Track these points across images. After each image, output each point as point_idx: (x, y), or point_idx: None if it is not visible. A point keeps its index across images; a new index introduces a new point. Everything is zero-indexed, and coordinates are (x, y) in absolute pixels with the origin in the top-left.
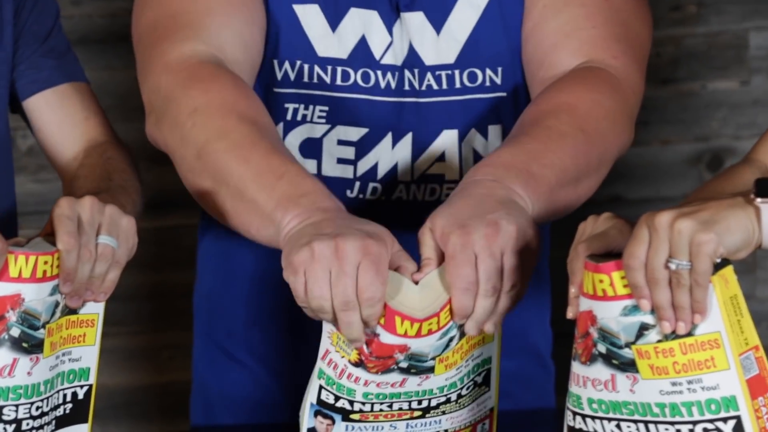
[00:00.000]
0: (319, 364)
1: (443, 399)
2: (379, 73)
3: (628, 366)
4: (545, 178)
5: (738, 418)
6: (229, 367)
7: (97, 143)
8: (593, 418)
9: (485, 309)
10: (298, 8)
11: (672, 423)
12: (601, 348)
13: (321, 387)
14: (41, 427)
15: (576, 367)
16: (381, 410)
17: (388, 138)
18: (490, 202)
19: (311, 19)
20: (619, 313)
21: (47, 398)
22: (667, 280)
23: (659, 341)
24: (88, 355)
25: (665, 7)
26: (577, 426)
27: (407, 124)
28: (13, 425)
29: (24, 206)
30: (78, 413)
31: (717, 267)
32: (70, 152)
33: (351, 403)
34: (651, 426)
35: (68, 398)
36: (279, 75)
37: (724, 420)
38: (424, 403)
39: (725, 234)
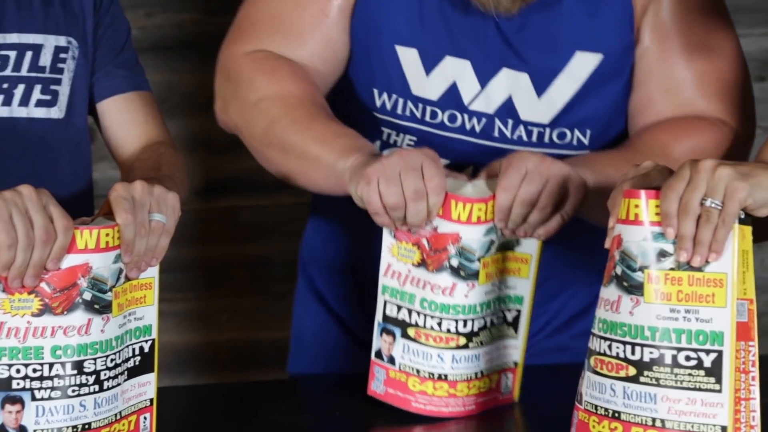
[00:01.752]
0: (382, 281)
1: (481, 323)
2: (466, 116)
3: (635, 289)
4: (612, 177)
5: (720, 353)
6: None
7: (153, 142)
8: (595, 336)
9: (519, 214)
10: (399, 49)
11: (658, 347)
12: (618, 270)
13: (385, 302)
14: (116, 377)
15: (600, 290)
16: (432, 328)
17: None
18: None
19: (410, 60)
20: (643, 238)
21: (119, 352)
22: (696, 215)
23: (672, 269)
24: (149, 314)
25: None
26: (592, 347)
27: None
28: (94, 376)
29: (105, 189)
30: (145, 364)
31: (741, 221)
32: (129, 149)
33: (410, 313)
34: (637, 348)
35: (136, 352)
36: (378, 102)
37: (707, 352)
38: (468, 326)
39: (757, 188)
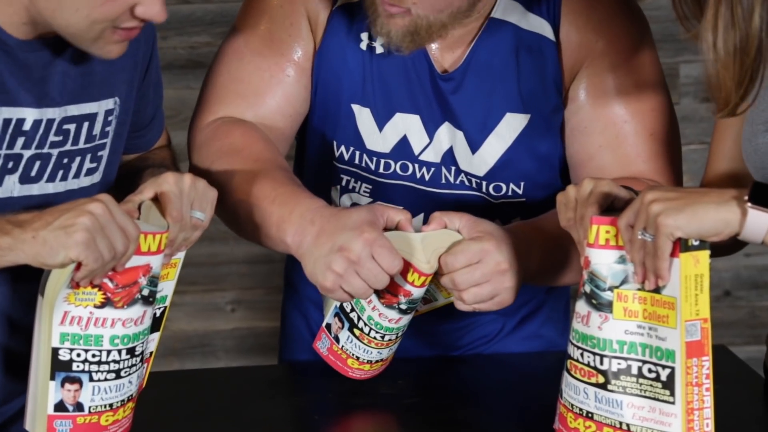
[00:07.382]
0: None
1: (401, 333)
2: (416, 165)
3: (604, 306)
4: (547, 257)
5: (672, 369)
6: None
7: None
8: (571, 343)
9: (447, 284)
10: (355, 107)
11: (625, 359)
12: (587, 288)
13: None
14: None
15: (574, 303)
16: (374, 338)
17: (420, 217)
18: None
19: (364, 118)
20: (613, 260)
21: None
22: (641, 243)
23: (638, 289)
24: (168, 287)
25: None
26: (569, 351)
27: (439, 208)
28: (140, 357)
29: None
30: (155, 326)
31: (692, 248)
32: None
33: (358, 318)
34: (605, 359)
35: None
36: (336, 153)
37: (663, 367)
38: (399, 335)
39: (691, 220)
